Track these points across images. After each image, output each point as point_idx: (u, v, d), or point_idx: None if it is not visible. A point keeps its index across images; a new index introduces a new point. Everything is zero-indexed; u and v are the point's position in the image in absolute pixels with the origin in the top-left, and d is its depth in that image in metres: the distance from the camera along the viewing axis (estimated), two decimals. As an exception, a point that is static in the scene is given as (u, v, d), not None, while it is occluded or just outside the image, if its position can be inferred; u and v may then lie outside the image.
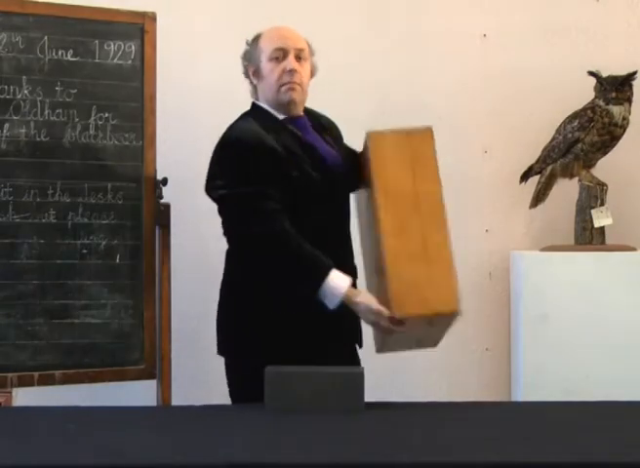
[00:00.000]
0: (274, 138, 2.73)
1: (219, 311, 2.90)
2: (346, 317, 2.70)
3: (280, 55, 2.80)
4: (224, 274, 2.88)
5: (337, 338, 2.74)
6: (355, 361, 2.85)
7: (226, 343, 2.85)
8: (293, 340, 2.67)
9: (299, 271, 2.64)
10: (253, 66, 2.85)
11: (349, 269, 2.76)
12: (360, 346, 2.88)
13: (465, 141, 4.01)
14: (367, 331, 2.84)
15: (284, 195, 2.68)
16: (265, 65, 2.81)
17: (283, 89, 2.79)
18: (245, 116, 2.86)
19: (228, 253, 2.85)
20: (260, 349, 2.69)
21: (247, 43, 2.89)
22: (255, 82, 2.86)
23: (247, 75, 2.89)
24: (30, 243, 3.23)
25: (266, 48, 2.82)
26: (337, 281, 2.62)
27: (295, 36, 2.86)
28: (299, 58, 2.82)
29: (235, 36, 3.90)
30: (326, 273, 2.61)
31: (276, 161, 2.69)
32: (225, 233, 2.77)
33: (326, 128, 2.93)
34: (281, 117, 2.82)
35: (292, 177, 2.70)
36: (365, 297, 2.66)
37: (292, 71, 2.79)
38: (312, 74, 2.91)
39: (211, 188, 2.79)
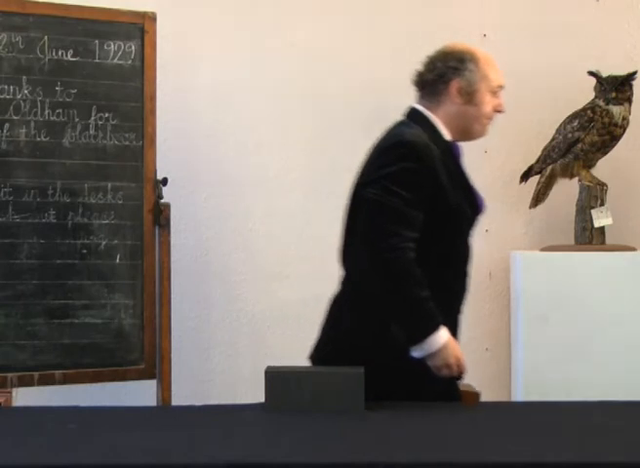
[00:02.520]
0: (441, 158, 2.63)
1: (332, 320, 2.75)
2: None
3: (499, 91, 2.73)
4: (348, 282, 2.73)
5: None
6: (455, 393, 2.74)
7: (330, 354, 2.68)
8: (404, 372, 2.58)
9: (409, 316, 2.54)
10: (464, 84, 2.67)
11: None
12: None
13: (465, 141, 4.01)
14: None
15: (435, 220, 2.58)
16: (484, 95, 2.69)
17: (486, 123, 2.72)
18: (412, 124, 2.69)
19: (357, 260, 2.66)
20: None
21: (458, 53, 2.70)
22: (456, 99, 2.67)
23: (443, 82, 2.68)
24: (30, 243, 3.23)
25: (492, 79, 2.70)
26: (441, 335, 2.54)
27: None
28: None
29: (235, 36, 3.93)
30: (435, 329, 2.53)
31: (437, 182, 2.59)
32: (362, 235, 2.59)
33: None
34: (447, 138, 2.71)
35: (450, 205, 2.61)
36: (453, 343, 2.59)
37: (500, 112, 2.74)
38: None
39: (363, 184, 2.63)
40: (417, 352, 2.53)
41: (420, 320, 2.54)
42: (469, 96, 2.68)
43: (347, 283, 2.73)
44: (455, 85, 2.67)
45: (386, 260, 2.51)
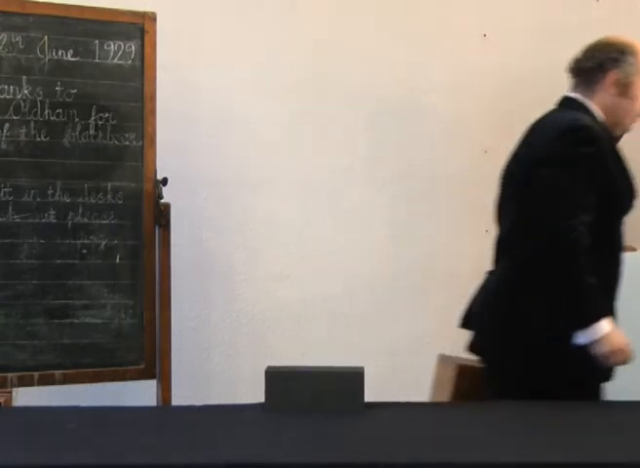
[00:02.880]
0: (608, 144, 2.66)
1: (493, 311, 2.75)
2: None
3: None
4: (511, 271, 2.72)
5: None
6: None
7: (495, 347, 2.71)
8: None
9: (577, 299, 2.57)
10: (621, 76, 2.72)
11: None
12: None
13: (465, 141, 4.01)
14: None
15: (604, 205, 2.60)
16: (638, 89, 2.72)
17: (635, 118, 2.75)
18: (570, 111, 2.72)
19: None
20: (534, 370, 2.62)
21: (620, 45, 2.74)
22: (610, 89, 2.72)
23: (601, 71, 2.73)
24: (30, 243, 3.23)
25: None
26: (605, 323, 2.58)
27: None
28: None
29: (235, 36, 3.93)
30: (600, 316, 2.56)
31: (608, 168, 2.63)
32: (541, 215, 2.59)
33: None
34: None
35: (618, 190, 2.65)
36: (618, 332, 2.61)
37: None
38: None
39: (535, 164, 2.63)
40: (581, 338, 2.56)
41: (587, 305, 2.57)
42: (624, 87, 2.72)
43: (510, 273, 2.70)
44: (612, 76, 2.71)
45: (565, 241, 2.52)
